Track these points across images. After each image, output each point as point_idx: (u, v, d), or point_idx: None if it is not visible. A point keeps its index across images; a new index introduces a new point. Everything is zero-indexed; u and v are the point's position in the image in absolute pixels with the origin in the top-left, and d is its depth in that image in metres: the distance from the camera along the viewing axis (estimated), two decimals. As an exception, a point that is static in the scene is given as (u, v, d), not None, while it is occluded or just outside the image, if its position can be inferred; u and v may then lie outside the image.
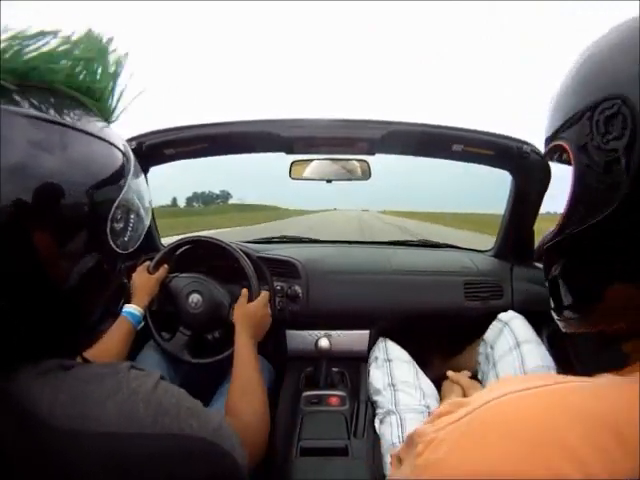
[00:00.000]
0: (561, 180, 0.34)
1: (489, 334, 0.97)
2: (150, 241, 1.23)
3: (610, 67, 0.30)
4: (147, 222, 0.47)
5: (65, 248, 0.36)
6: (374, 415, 0.93)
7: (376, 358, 1.04)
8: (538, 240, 0.38)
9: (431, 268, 1.21)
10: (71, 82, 0.38)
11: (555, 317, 0.36)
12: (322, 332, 1.12)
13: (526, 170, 1.06)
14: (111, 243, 0.40)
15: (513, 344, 0.88)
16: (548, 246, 0.35)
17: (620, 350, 0.31)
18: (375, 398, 0.95)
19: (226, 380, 0.96)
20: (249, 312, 0.86)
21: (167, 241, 1.19)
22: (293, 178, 1.15)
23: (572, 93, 0.33)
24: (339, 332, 1.14)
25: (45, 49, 0.36)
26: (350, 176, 1.13)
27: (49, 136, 0.34)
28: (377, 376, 0.98)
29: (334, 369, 1.09)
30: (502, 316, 0.97)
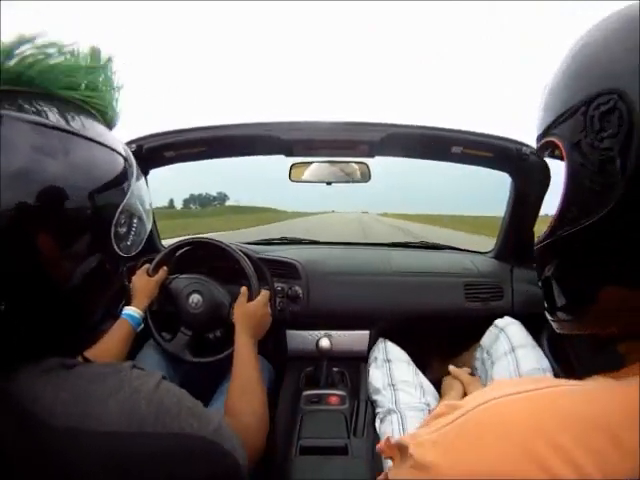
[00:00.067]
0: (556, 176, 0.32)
1: (485, 340, 0.98)
2: (150, 243, 1.23)
3: (605, 58, 0.28)
4: (149, 226, 0.48)
5: (68, 251, 0.37)
6: (374, 414, 0.93)
7: (375, 358, 1.04)
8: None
9: (431, 269, 1.21)
10: (74, 90, 0.39)
11: (549, 318, 0.36)
12: (322, 332, 1.12)
13: (526, 172, 1.07)
14: (114, 247, 0.41)
15: (508, 349, 0.89)
16: (540, 247, 0.34)
17: (616, 351, 0.31)
18: (375, 397, 0.95)
19: (226, 379, 0.96)
20: (249, 311, 0.86)
21: (164, 243, 1.18)
22: (293, 180, 1.15)
23: (565, 87, 0.31)
24: (339, 332, 1.14)
25: (50, 57, 0.36)
26: (350, 178, 1.14)
27: (52, 142, 0.35)
28: (377, 376, 0.98)
29: (334, 369, 1.09)
30: (498, 322, 0.99)
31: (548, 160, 0.36)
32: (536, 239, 0.35)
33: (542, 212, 1.12)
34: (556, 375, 0.87)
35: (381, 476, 0.39)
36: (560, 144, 0.31)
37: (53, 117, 0.36)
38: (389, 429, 0.84)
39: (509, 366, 0.87)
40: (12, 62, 0.34)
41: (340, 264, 1.22)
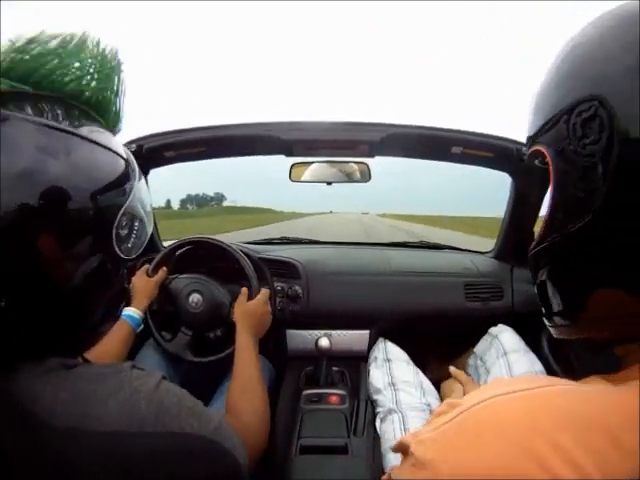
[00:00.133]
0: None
1: (479, 347, 1.01)
2: (150, 243, 1.23)
3: (587, 66, 0.28)
4: (150, 229, 0.49)
5: (70, 252, 0.37)
6: (374, 414, 0.93)
7: (375, 358, 1.05)
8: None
9: (431, 269, 1.21)
10: (79, 94, 0.39)
11: (547, 324, 0.36)
12: (322, 332, 1.12)
13: (525, 172, 1.07)
14: (116, 249, 0.41)
15: (501, 353, 0.92)
16: (532, 253, 0.34)
17: (613, 354, 0.31)
18: (375, 397, 0.95)
19: (226, 378, 0.96)
20: (249, 310, 0.86)
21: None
22: (293, 180, 1.15)
23: (550, 94, 0.32)
24: (339, 332, 1.14)
25: (57, 60, 0.36)
26: (350, 178, 1.14)
27: (56, 142, 0.35)
28: (377, 376, 0.98)
29: (334, 368, 1.09)
30: (492, 330, 1.01)
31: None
32: (532, 244, 0.35)
33: (542, 212, 1.12)
34: (558, 375, 0.87)
35: (385, 476, 0.39)
36: (546, 152, 0.31)
37: (57, 119, 0.36)
38: (390, 429, 0.84)
39: (501, 370, 0.89)
40: (17, 66, 0.35)
41: (340, 264, 1.22)
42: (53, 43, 0.37)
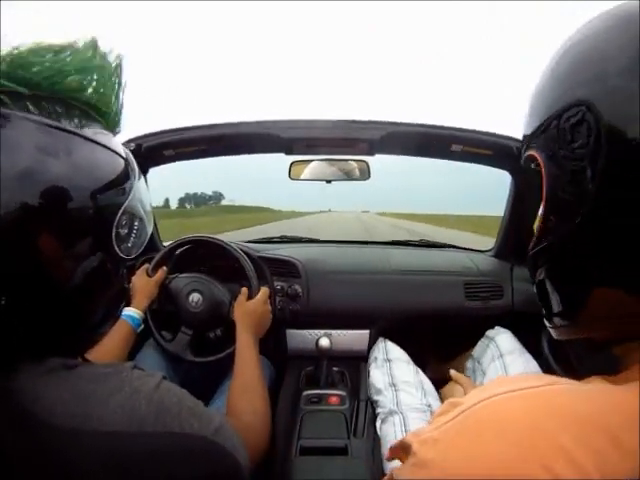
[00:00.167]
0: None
1: (477, 350, 1.02)
2: (150, 242, 1.22)
3: (575, 71, 0.29)
4: (150, 229, 0.49)
5: (70, 251, 0.37)
6: (374, 415, 0.93)
7: (375, 358, 1.04)
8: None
9: (431, 268, 1.21)
10: (80, 95, 0.39)
11: (547, 325, 0.36)
12: (322, 331, 1.12)
13: (525, 170, 1.06)
14: (115, 248, 0.41)
15: (497, 355, 0.93)
16: (530, 255, 0.35)
17: (612, 354, 0.31)
18: (376, 398, 0.95)
19: (226, 378, 0.96)
20: (249, 310, 0.86)
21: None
22: (292, 178, 1.15)
23: (542, 100, 0.32)
24: (339, 331, 1.14)
25: (57, 61, 0.37)
26: (349, 176, 1.14)
27: (56, 142, 0.35)
28: (377, 376, 0.98)
29: (334, 368, 1.09)
30: (489, 333, 1.02)
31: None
32: (530, 245, 0.36)
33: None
34: (559, 375, 0.87)
35: (386, 477, 0.39)
36: (538, 156, 0.32)
37: (58, 118, 0.36)
38: (391, 430, 0.84)
39: (497, 372, 0.90)
40: (17, 69, 0.35)
41: (340, 263, 1.22)
42: (54, 45, 0.37)
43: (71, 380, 0.37)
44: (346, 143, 1.07)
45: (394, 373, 0.95)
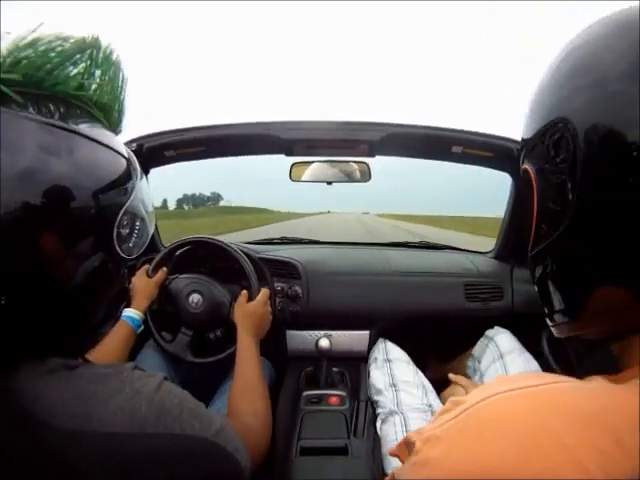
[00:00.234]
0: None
1: (477, 349, 1.02)
2: (150, 242, 1.23)
3: (554, 88, 0.31)
4: (151, 229, 0.49)
5: (71, 250, 0.37)
6: (374, 415, 0.93)
7: (376, 359, 1.04)
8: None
9: (431, 269, 1.22)
10: (82, 93, 0.39)
11: (549, 323, 0.37)
12: (322, 332, 1.12)
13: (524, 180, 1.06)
14: (117, 248, 0.41)
15: (497, 356, 0.94)
16: (529, 256, 0.37)
17: (610, 352, 0.32)
18: (376, 398, 0.95)
19: (227, 379, 0.96)
20: (249, 311, 0.86)
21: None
22: (293, 180, 1.15)
23: (532, 117, 0.34)
24: (339, 332, 1.14)
25: (59, 60, 0.36)
26: (350, 178, 1.14)
27: (57, 141, 0.35)
28: (378, 376, 0.98)
29: (334, 369, 1.09)
30: (488, 332, 1.03)
31: None
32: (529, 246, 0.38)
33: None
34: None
35: (387, 477, 0.39)
36: (530, 170, 0.34)
37: (60, 118, 0.36)
38: (391, 430, 0.84)
39: (497, 372, 0.90)
40: (25, 62, 0.34)
41: (340, 264, 1.22)
42: (56, 43, 0.36)
43: (71, 380, 0.37)
44: (346, 144, 1.08)
45: (394, 373, 0.96)
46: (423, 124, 1.04)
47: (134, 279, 0.93)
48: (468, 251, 1.42)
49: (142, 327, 0.88)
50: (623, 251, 0.27)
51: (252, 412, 0.61)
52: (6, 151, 0.31)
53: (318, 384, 1.04)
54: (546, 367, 0.93)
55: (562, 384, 0.26)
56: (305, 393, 1.00)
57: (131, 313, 0.85)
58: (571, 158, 0.29)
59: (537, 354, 0.94)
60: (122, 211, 0.41)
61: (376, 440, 0.87)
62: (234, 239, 1.17)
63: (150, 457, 0.36)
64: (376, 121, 1.04)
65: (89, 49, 0.39)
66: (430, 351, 1.25)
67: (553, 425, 0.23)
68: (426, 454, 0.27)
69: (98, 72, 0.40)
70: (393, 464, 0.77)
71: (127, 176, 0.42)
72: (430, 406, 0.88)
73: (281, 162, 1.14)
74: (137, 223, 0.44)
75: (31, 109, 0.34)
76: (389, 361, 1.00)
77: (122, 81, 0.42)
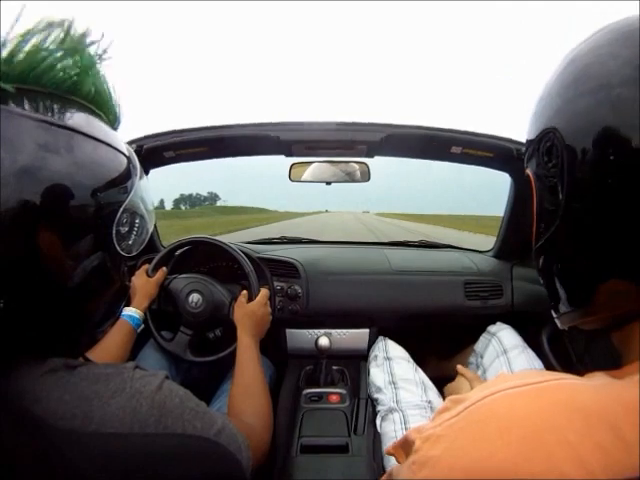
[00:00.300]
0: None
1: (479, 345, 1.02)
2: (150, 242, 1.23)
3: (548, 99, 0.35)
4: (151, 226, 0.48)
5: (71, 248, 0.36)
6: (374, 412, 0.93)
7: (375, 357, 1.05)
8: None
9: (431, 268, 1.22)
10: (78, 89, 0.38)
11: (553, 315, 0.39)
12: (322, 331, 1.13)
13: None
14: (116, 246, 0.41)
15: (500, 351, 0.94)
16: (533, 251, 0.39)
17: (611, 344, 0.33)
18: (376, 396, 0.95)
19: (227, 378, 0.96)
20: (249, 311, 0.86)
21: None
22: (292, 180, 1.15)
23: (532, 124, 0.37)
24: (339, 331, 1.15)
25: (56, 55, 0.36)
26: (350, 178, 1.14)
27: (56, 139, 0.35)
28: (377, 374, 0.98)
29: (334, 367, 1.09)
30: (491, 328, 1.03)
31: None
32: (530, 244, 0.40)
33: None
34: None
35: (384, 476, 0.39)
36: (530, 175, 0.38)
37: (58, 115, 0.36)
38: (391, 428, 0.84)
39: (502, 367, 0.90)
40: (21, 58, 0.34)
41: (339, 263, 1.22)
42: (51, 38, 0.36)
43: (72, 381, 0.36)
44: (345, 145, 1.08)
45: (394, 371, 0.96)
46: (422, 125, 1.04)
47: (134, 278, 0.93)
48: (468, 250, 1.42)
49: (142, 326, 0.88)
50: (610, 244, 0.29)
51: (253, 412, 0.61)
52: (4, 149, 0.31)
53: (318, 382, 1.04)
54: (546, 365, 0.93)
55: (564, 381, 0.26)
56: (305, 391, 1.00)
57: (131, 312, 0.86)
58: (560, 164, 0.32)
59: (537, 352, 0.94)
60: (121, 209, 0.40)
61: (376, 438, 0.87)
62: (232, 239, 1.17)
63: (151, 457, 0.36)
64: (375, 122, 1.04)
65: (84, 44, 0.38)
66: (430, 349, 1.25)
67: (555, 422, 0.23)
68: (426, 453, 0.27)
69: (95, 68, 0.39)
70: (393, 462, 0.77)
71: (127, 174, 0.42)
72: (430, 402, 0.88)
73: (279, 162, 1.14)
74: (137, 221, 0.44)
75: (28, 105, 0.34)
76: (389, 359, 1.00)
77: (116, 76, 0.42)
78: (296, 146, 1.07)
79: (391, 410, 0.88)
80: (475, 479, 0.24)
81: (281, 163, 1.14)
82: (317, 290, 1.14)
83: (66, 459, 0.33)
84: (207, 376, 1.03)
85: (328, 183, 1.16)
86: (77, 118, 0.38)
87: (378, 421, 0.90)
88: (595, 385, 0.26)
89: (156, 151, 1.06)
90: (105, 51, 0.40)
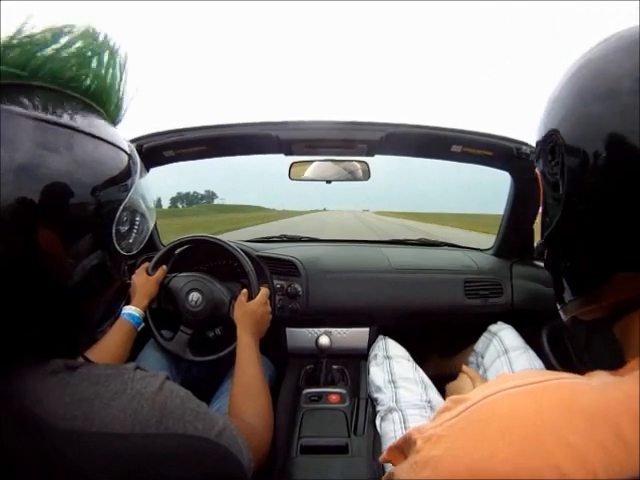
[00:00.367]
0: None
1: (479, 345, 1.02)
2: (150, 241, 1.23)
3: (553, 102, 0.37)
4: (152, 224, 0.48)
5: (70, 247, 0.36)
6: (374, 412, 0.93)
7: (375, 356, 1.05)
8: (537, 239, 0.43)
9: (431, 266, 1.22)
10: (78, 83, 0.38)
11: (558, 306, 0.40)
12: (322, 330, 1.13)
13: (525, 170, 1.07)
14: (116, 246, 0.40)
15: (501, 351, 0.94)
16: (540, 243, 0.41)
17: (616, 342, 0.33)
18: (376, 395, 0.95)
19: (227, 378, 0.96)
20: (249, 310, 0.86)
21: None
22: (292, 179, 1.15)
23: (540, 127, 0.39)
24: (339, 330, 1.15)
25: (53, 48, 0.35)
26: (351, 177, 1.14)
27: (54, 138, 0.34)
28: (377, 373, 0.98)
29: (334, 366, 1.09)
30: (492, 327, 1.03)
31: None
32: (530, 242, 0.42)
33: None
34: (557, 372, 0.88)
35: (385, 475, 0.39)
36: (538, 173, 0.40)
37: (56, 113, 0.35)
38: (390, 428, 0.84)
39: (502, 368, 0.90)
40: (15, 52, 0.33)
41: (339, 261, 1.22)
42: (49, 32, 0.35)
43: (73, 382, 0.36)
44: (345, 144, 1.08)
45: (394, 370, 0.96)
46: (422, 124, 1.04)
47: (134, 277, 0.93)
48: (468, 248, 1.42)
49: (142, 324, 0.88)
50: (606, 236, 0.31)
51: (253, 412, 0.61)
52: (2, 148, 0.31)
53: (318, 382, 1.04)
54: (546, 364, 0.93)
55: (564, 380, 0.26)
56: (305, 391, 1.00)
57: (131, 310, 0.86)
58: (561, 162, 0.34)
59: (536, 351, 0.94)
60: (121, 207, 0.40)
61: (376, 438, 0.87)
62: (230, 238, 1.18)
63: (153, 457, 0.36)
64: (375, 121, 1.04)
65: (84, 38, 0.38)
66: (430, 348, 1.25)
67: (556, 422, 0.23)
68: (427, 453, 0.27)
69: (94, 61, 0.38)
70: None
71: (127, 171, 0.41)
72: (429, 402, 0.88)
73: (277, 160, 1.14)
74: (137, 219, 0.44)
75: (26, 102, 0.33)
76: (389, 358, 1.00)
77: (120, 69, 0.41)
78: (296, 145, 1.07)
79: (390, 410, 0.87)
80: (477, 479, 0.24)
81: (279, 162, 1.14)
82: (317, 288, 1.14)
83: (67, 460, 0.33)
84: (207, 376, 1.03)
85: (328, 182, 1.16)
86: (76, 115, 0.37)
87: (378, 421, 0.90)
88: (596, 384, 0.26)
89: (156, 150, 1.06)
90: (106, 42, 0.39)
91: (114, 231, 0.40)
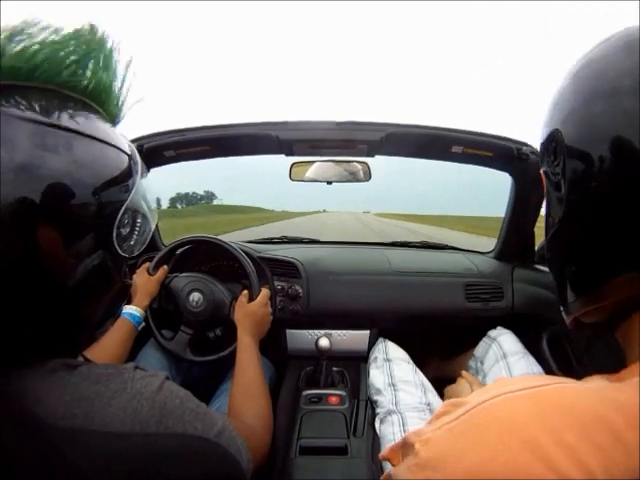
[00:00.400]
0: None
1: (479, 350, 1.02)
2: (151, 241, 1.23)
3: (555, 104, 0.37)
4: (153, 225, 0.48)
5: (71, 248, 0.36)
6: (374, 414, 0.93)
7: (375, 358, 1.05)
8: (539, 242, 0.42)
9: (432, 269, 1.22)
10: (76, 83, 0.37)
11: (561, 308, 0.40)
12: (322, 332, 1.13)
13: (526, 172, 1.07)
14: (117, 248, 0.40)
15: (500, 356, 0.94)
16: (545, 242, 0.42)
17: (618, 346, 0.33)
18: (375, 398, 0.95)
19: (227, 378, 0.96)
20: (249, 312, 0.86)
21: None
22: (293, 179, 1.15)
23: (543, 127, 0.40)
24: (339, 332, 1.15)
25: (50, 48, 0.35)
26: (352, 178, 1.14)
27: (52, 140, 0.34)
28: (377, 376, 0.98)
29: (334, 368, 1.09)
30: (491, 333, 1.03)
31: None
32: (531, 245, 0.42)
33: (543, 212, 1.11)
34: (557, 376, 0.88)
35: (383, 476, 0.39)
36: (542, 174, 0.40)
37: (54, 114, 0.35)
38: (389, 430, 0.84)
39: (501, 372, 0.90)
40: (13, 52, 0.33)
41: (340, 263, 1.22)
42: (46, 31, 0.35)
43: (72, 381, 0.36)
44: (346, 145, 1.08)
45: (394, 373, 0.96)
46: (423, 124, 1.04)
47: (135, 276, 0.93)
48: (469, 251, 1.42)
49: (143, 324, 0.88)
50: (606, 235, 0.32)
51: (253, 413, 0.61)
52: (3, 148, 0.31)
53: (318, 383, 1.04)
54: (546, 368, 0.93)
55: (563, 385, 0.26)
56: (305, 392, 1.00)
57: (132, 310, 0.86)
58: (562, 163, 0.34)
59: (537, 355, 0.94)
60: (123, 208, 0.40)
61: (376, 440, 0.87)
62: (231, 239, 1.18)
63: (153, 457, 0.36)
64: (375, 121, 1.04)
65: (82, 37, 0.37)
66: (430, 351, 1.25)
67: (556, 426, 0.23)
68: (426, 456, 0.27)
69: (92, 61, 0.38)
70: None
71: (128, 172, 0.41)
72: (429, 405, 0.88)
73: (277, 161, 1.14)
74: (138, 220, 0.43)
75: (24, 104, 0.33)
76: (389, 360, 1.00)
77: (118, 69, 0.40)
78: (297, 145, 1.07)
79: (390, 412, 0.87)
80: None
81: (279, 162, 1.14)
82: (318, 290, 1.14)
83: (67, 459, 0.33)
84: (207, 376, 1.03)
85: (329, 182, 1.16)
86: (75, 116, 0.36)
87: (377, 423, 0.90)
88: (595, 389, 0.26)
89: (156, 150, 1.06)
90: (104, 41, 0.39)
91: (115, 234, 0.40)
